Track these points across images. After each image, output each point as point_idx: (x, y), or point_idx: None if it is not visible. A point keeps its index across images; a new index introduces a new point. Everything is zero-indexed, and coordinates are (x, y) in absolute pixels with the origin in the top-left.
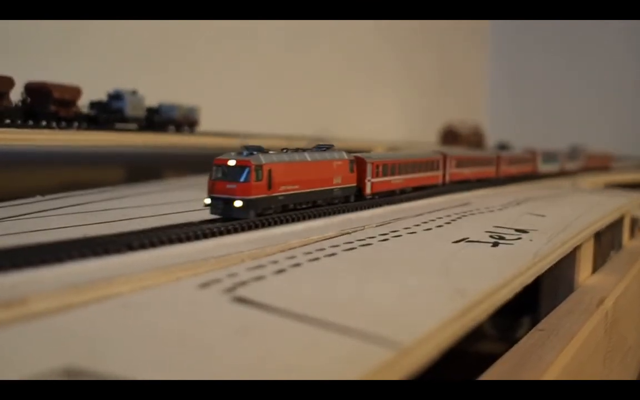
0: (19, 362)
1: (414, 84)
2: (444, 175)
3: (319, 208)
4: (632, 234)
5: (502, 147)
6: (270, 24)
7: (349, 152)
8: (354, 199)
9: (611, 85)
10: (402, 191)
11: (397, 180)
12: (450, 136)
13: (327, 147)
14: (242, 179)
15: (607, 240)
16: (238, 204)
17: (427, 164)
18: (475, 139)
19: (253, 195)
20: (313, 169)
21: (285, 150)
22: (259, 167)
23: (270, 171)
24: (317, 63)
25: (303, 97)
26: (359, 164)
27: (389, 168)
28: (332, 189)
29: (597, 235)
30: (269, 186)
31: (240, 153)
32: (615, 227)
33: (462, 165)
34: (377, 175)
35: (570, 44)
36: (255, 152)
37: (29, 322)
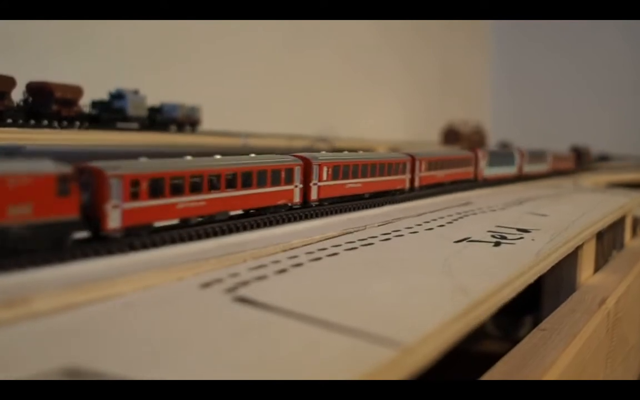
0: (21, 361)
1: (416, 84)
2: (305, 191)
3: (320, 207)
4: (634, 233)
5: (503, 146)
6: (272, 24)
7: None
8: (88, 238)
9: (613, 84)
10: (208, 218)
11: (193, 203)
12: (451, 136)
13: (13, 150)
14: None
15: (608, 240)
16: None
17: (265, 175)
18: (476, 139)
19: None
20: None
21: None
22: None
23: None
24: (319, 63)
25: (305, 97)
26: (95, 180)
27: (165, 184)
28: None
29: (599, 235)
30: None
31: None
32: (617, 226)
33: (343, 175)
34: (136, 198)
35: (572, 44)
36: None
37: (31, 321)
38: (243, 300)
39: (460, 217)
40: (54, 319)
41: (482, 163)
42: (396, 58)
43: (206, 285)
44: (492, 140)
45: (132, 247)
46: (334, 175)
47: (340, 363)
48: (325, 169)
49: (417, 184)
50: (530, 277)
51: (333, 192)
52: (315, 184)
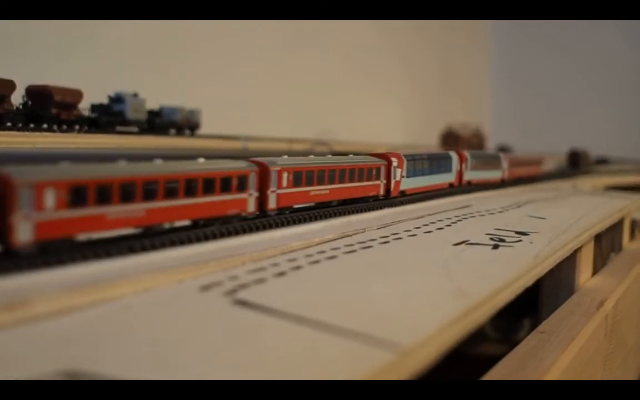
0: (21, 363)
1: (415, 86)
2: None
3: (320, 210)
4: (632, 236)
5: (503, 149)
6: (272, 25)
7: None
8: None
9: (613, 86)
10: None
11: None
12: (450, 139)
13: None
14: None
15: (607, 243)
16: None
17: None
18: (476, 141)
19: None
20: None
21: None
22: None
23: None
24: (319, 65)
25: (305, 99)
26: None
27: None
28: None
29: (598, 238)
30: None
31: None
32: (615, 229)
33: (103, 198)
34: None
35: (572, 44)
36: None
37: (31, 324)
38: (242, 302)
39: (459, 220)
40: (54, 321)
41: (399, 172)
42: (396, 58)
43: (206, 287)
44: (492, 143)
45: (132, 250)
46: (72, 201)
47: (340, 365)
48: (47, 191)
49: (272, 205)
50: (528, 280)
51: (66, 228)
52: (27, 218)
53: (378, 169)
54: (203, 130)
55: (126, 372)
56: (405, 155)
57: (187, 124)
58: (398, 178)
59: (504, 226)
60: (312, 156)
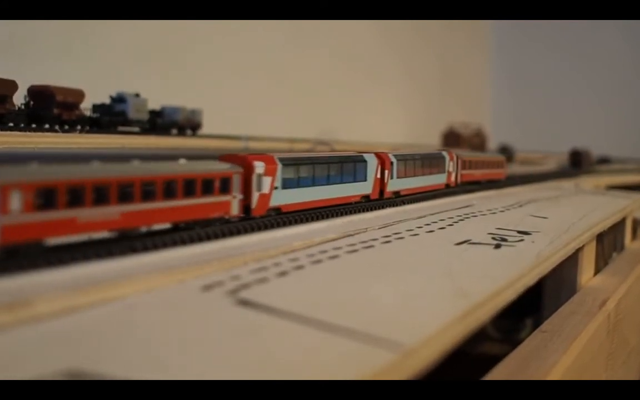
0: (23, 364)
1: (416, 86)
2: None
3: (321, 210)
4: (634, 235)
5: (504, 149)
6: (272, 25)
7: None
8: None
9: (613, 85)
10: None
11: None
12: (452, 138)
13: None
14: None
15: (609, 242)
16: None
17: None
18: (477, 141)
19: None
20: None
21: None
22: None
23: None
24: (320, 65)
25: (306, 99)
26: None
27: None
28: None
29: (600, 237)
30: None
31: None
32: (617, 228)
33: None
34: None
35: (572, 44)
36: None
37: (33, 324)
38: (244, 302)
39: (461, 220)
40: (56, 321)
41: (267, 183)
42: (396, 58)
43: (207, 287)
44: (493, 143)
45: (134, 250)
46: None
47: (341, 365)
48: None
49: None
50: (530, 279)
51: None
52: None
53: (226, 180)
54: (204, 130)
55: (128, 372)
56: (281, 159)
57: (188, 124)
58: (266, 190)
59: (505, 225)
60: (95, 163)
